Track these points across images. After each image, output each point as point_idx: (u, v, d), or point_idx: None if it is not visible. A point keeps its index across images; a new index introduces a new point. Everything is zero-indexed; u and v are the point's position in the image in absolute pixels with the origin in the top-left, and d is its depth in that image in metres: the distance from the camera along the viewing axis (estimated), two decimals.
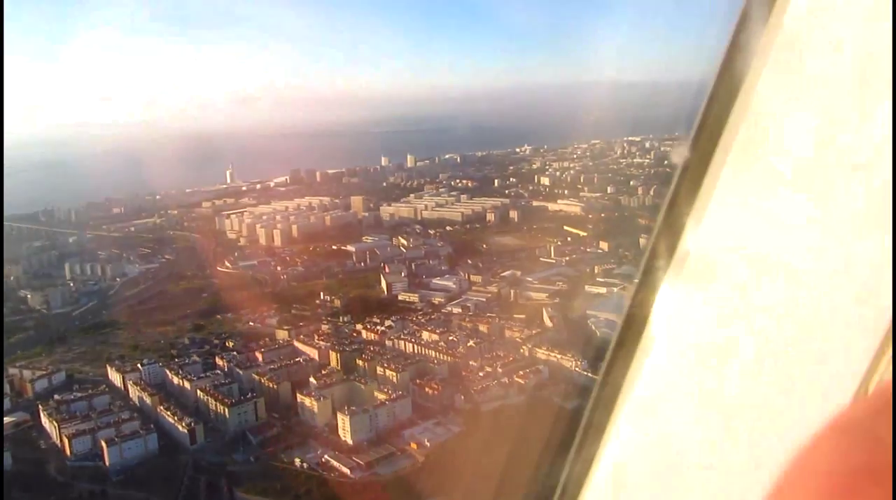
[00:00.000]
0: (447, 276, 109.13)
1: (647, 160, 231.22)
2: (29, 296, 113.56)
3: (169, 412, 62.73)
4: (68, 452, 58.44)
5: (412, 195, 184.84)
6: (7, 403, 69.23)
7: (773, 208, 2.98)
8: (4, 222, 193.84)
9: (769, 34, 2.88)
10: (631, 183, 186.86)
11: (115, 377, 72.48)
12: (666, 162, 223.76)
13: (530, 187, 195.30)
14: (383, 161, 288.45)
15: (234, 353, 76.78)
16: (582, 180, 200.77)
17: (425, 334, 78.94)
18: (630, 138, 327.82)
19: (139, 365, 72.57)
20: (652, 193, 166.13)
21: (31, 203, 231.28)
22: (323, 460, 56.27)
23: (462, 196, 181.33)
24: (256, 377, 68.69)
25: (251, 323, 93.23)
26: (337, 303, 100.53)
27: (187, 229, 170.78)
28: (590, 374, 66.58)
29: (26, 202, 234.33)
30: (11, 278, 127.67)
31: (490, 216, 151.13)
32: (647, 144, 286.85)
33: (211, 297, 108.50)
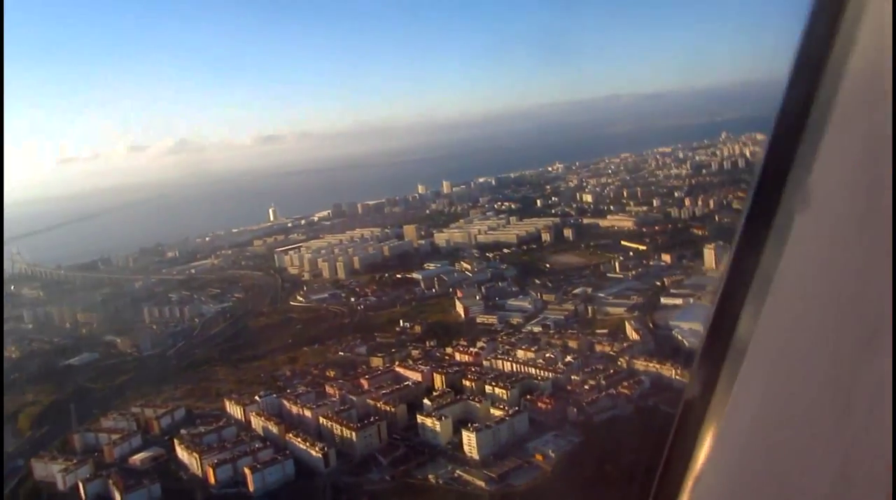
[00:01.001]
0: (520, 296, 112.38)
1: (683, 171, 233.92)
2: (118, 341, 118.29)
3: (298, 439, 66.39)
4: (212, 481, 62.18)
5: (461, 220, 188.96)
6: (138, 440, 73.52)
7: (855, 211, 2.98)
8: (65, 273, 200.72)
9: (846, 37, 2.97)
10: (675, 194, 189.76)
11: (233, 410, 76.39)
12: (704, 171, 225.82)
13: (575, 205, 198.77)
14: (420, 189, 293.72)
15: (341, 381, 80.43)
16: (625, 195, 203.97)
17: (520, 353, 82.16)
18: (660, 150, 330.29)
19: (256, 398, 76.42)
20: (699, 203, 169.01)
21: (85, 253, 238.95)
22: (456, 475, 59.45)
23: (510, 218, 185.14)
24: (371, 402, 72.26)
25: (341, 353, 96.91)
26: (417, 329, 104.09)
27: (247, 268, 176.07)
28: (689, 381, 69.33)
29: (80, 253, 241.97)
30: (94, 324, 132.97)
31: (545, 236, 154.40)
32: (680, 155, 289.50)
33: (294, 330, 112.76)
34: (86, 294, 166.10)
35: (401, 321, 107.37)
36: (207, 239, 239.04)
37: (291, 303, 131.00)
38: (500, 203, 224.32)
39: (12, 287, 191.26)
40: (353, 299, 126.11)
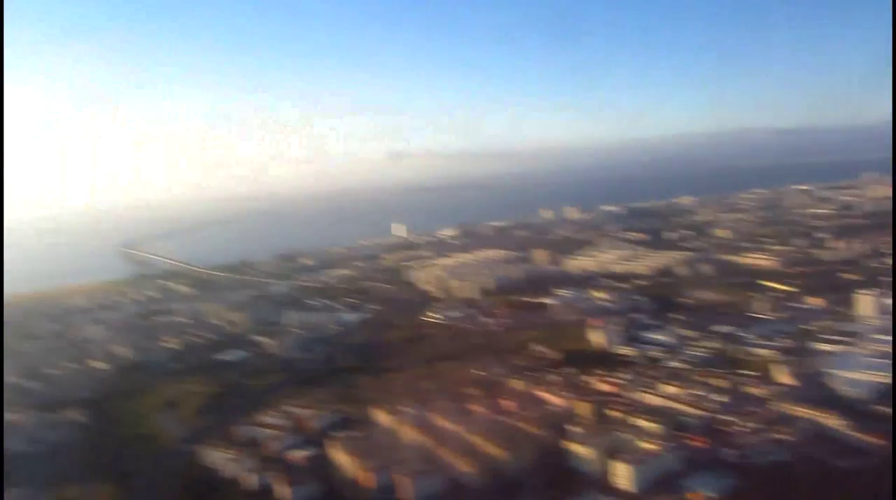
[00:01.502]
0: (658, 330, 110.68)
1: (827, 211, 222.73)
2: (265, 341, 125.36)
3: (447, 453, 68.45)
4: (366, 484, 65.10)
5: (591, 248, 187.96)
6: (295, 438, 77.95)
7: None
8: (211, 273, 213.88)
9: None
10: (818, 235, 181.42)
11: (383, 418, 79.66)
12: (849, 211, 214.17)
13: (709, 239, 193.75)
14: (545, 214, 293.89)
15: (484, 399, 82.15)
16: (763, 232, 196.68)
17: (665, 388, 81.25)
18: (797, 187, 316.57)
19: (405, 408, 79.45)
20: (846, 245, 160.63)
21: (225, 254, 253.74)
22: None
23: (641, 249, 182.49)
24: (518, 423, 73.50)
25: (479, 371, 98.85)
26: (553, 354, 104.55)
27: (379, 280, 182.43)
28: (858, 434, 66.44)
29: (222, 253, 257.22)
30: (241, 323, 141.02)
31: (680, 270, 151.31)
32: (820, 194, 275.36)
33: (430, 345, 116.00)
34: (232, 294, 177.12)
35: (536, 345, 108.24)
36: (341, 250, 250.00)
37: (425, 318, 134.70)
38: (628, 232, 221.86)
39: (166, 283, 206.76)
40: (486, 319, 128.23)
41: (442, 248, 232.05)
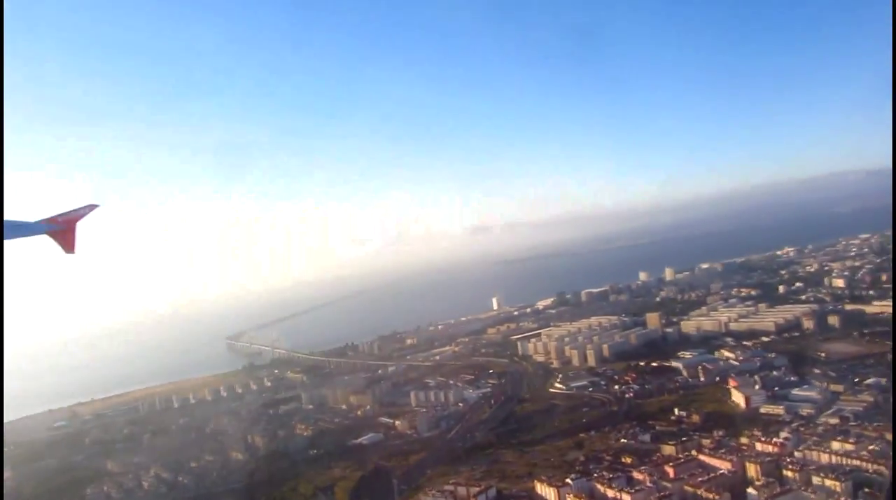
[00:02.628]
0: (802, 385, 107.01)
1: None
2: (395, 422, 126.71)
3: None
4: None
5: (705, 308, 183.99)
6: None
7: None
8: (319, 358, 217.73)
9: None
10: None
11: (545, 491, 79.16)
12: None
13: (825, 290, 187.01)
14: (642, 276, 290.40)
15: (644, 467, 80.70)
16: (884, 279, 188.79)
17: (835, 444, 78.16)
18: None
19: (567, 480, 78.83)
20: None
21: (326, 338, 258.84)
22: None
23: (757, 305, 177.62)
24: (691, 489, 71.94)
25: (624, 440, 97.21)
26: (695, 417, 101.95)
27: (489, 355, 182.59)
28: None
29: (323, 337, 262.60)
30: (367, 406, 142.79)
31: (807, 324, 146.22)
32: None
33: (564, 416, 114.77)
34: (346, 378, 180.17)
35: (675, 410, 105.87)
36: (440, 327, 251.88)
37: (551, 390, 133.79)
38: (737, 290, 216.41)
39: (277, 371, 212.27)
40: (616, 387, 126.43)
41: (543, 318, 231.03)
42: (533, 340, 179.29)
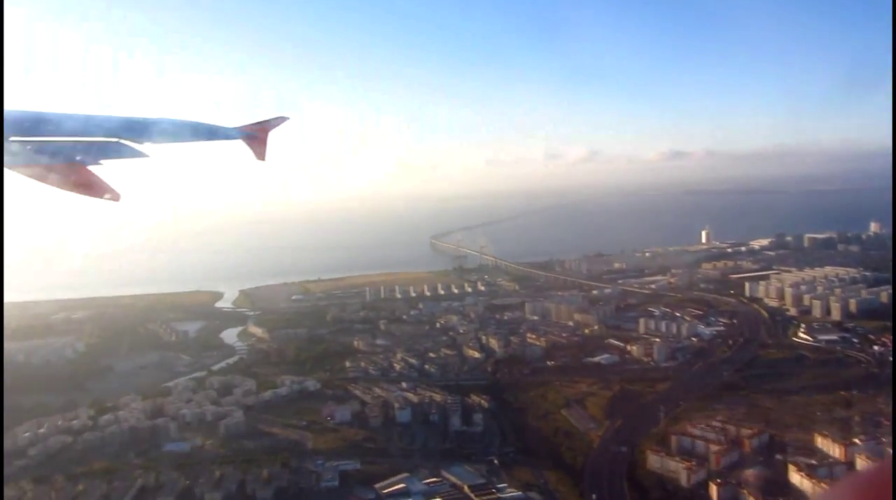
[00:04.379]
0: None
1: None
2: (629, 347, 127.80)
3: None
4: None
5: None
6: (736, 456, 78.63)
7: None
8: (529, 270, 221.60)
9: None
10: None
11: (828, 447, 77.68)
12: None
13: None
14: (873, 227, 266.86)
15: None
16: None
17: None
18: None
19: (856, 440, 76.88)
20: None
21: (527, 250, 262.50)
22: None
23: None
24: None
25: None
26: None
27: (710, 291, 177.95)
28: None
29: (525, 249, 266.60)
30: (594, 326, 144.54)
31: None
32: None
33: (821, 370, 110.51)
34: (561, 294, 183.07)
35: None
36: (647, 254, 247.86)
37: (795, 339, 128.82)
38: None
39: (487, 277, 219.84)
40: (874, 348, 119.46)
41: (763, 259, 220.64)
42: (762, 282, 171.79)
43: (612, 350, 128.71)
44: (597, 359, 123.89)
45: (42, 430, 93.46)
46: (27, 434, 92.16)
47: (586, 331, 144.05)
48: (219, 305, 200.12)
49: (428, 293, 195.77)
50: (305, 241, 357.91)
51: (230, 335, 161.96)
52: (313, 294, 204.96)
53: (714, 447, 79.88)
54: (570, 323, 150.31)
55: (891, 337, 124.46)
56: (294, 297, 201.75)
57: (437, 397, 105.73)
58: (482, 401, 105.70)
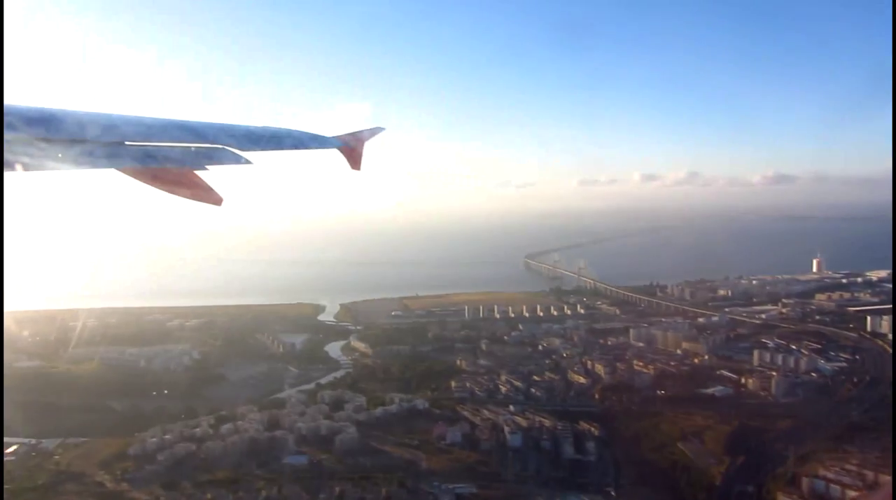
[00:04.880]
0: None
1: None
2: (740, 379, 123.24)
3: None
4: None
5: None
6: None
7: None
8: (629, 294, 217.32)
9: None
10: None
11: None
12: None
13: None
14: None
15: None
16: None
17: None
18: None
19: None
20: None
21: (624, 273, 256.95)
22: None
23: None
24: None
25: None
26: None
27: (830, 325, 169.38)
28: None
29: (621, 272, 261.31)
30: (699, 355, 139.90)
31: None
32: None
33: None
34: (665, 320, 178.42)
35: None
36: (754, 282, 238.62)
37: None
38: None
39: (586, 299, 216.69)
40: None
41: (881, 292, 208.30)
42: (885, 317, 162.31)
43: (725, 382, 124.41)
44: (710, 391, 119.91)
45: (168, 436, 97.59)
46: (154, 440, 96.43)
47: (696, 360, 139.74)
48: (321, 318, 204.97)
49: (527, 314, 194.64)
50: (401, 255, 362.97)
51: (334, 349, 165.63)
52: (413, 311, 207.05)
53: (851, 493, 75.60)
54: (678, 351, 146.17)
55: None
56: (394, 313, 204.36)
57: (547, 423, 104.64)
58: (592, 428, 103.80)
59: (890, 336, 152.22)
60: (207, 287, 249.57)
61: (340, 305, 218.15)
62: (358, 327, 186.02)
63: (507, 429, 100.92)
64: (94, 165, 7.64)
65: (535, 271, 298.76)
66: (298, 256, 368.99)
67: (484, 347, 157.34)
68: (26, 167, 6.86)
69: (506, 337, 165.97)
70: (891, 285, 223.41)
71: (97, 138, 7.79)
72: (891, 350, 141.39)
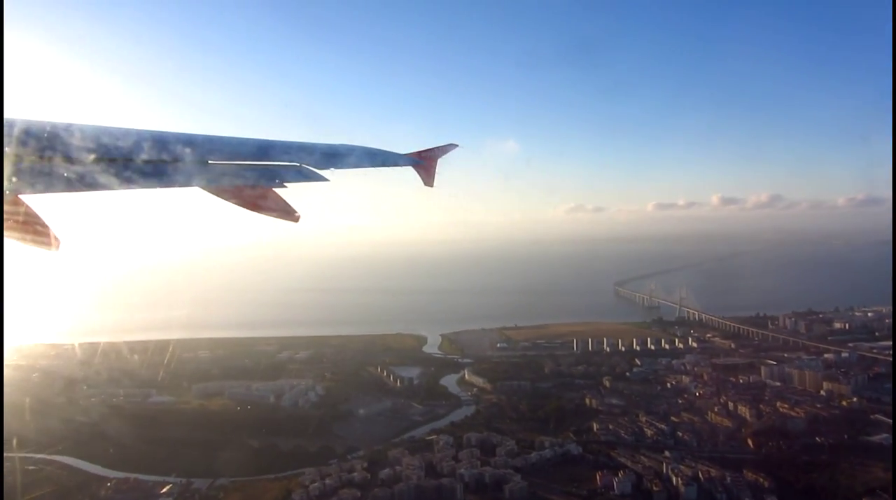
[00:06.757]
0: None
1: None
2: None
3: None
4: None
5: None
6: None
7: None
8: (737, 325, 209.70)
9: None
10: None
11: None
12: None
13: None
14: None
15: None
16: None
17: None
18: None
19: None
20: None
21: (718, 301, 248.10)
22: None
23: None
24: None
25: None
26: None
27: None
28: None
29: (717, 300, 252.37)
30: (845, 396, 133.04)
31: None
32: None
33: None
34: (784, 354, 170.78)
35: None
36: (870, 314, 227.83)
37: None
38: None
39: (692, 331, 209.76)
40: None
41: None
42: None
43: (886, 428, 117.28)
44: (875, 438, 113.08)
45: (327, 481, 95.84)
46: (315, 485, 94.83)
47: (843, 403, 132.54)
48: (426, 349, 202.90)
49: (637, 347, 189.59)
50: (485, 281, 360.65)
51: (450, 383, 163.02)
52: (517, 342, 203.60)
53: None
54: (822, 393, 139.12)
55: None
56: (499, 344, 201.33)
57: (713, 472, 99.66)
58: (760, 479, 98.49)
59: None
60: (298, 317, 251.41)
61: (441, 335, 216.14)
62: (467, 360, 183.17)
63: (675, 479, 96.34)
64: (182, 184, 8.11)
65: (627, 300, 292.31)
66: (375, 283, 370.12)
67: (608, 384, 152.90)
68: (119, 186, 7.21)
69: (627, 374, 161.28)
70: None
71: (183, 158, 8.29)
72: None
